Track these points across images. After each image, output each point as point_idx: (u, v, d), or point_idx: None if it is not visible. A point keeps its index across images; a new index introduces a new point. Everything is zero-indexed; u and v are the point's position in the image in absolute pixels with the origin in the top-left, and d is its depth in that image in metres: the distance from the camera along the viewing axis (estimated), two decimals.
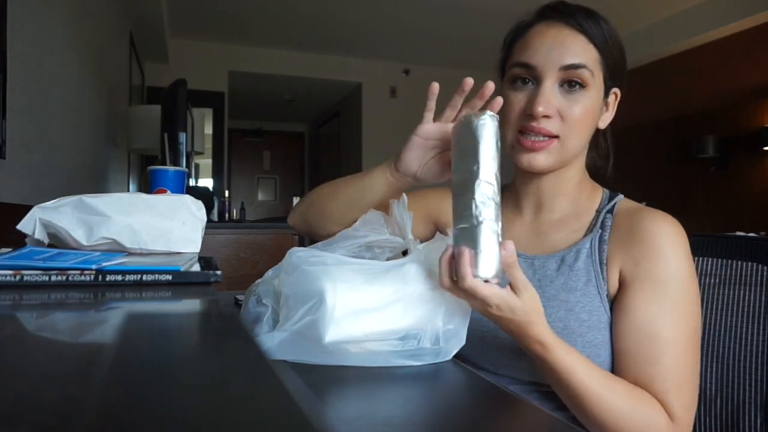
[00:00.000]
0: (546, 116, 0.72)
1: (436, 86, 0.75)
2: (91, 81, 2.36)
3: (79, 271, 0.52)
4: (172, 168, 1.21)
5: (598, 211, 0.78)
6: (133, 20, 3.94)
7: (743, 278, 0.83)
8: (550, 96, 0.72)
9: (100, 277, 0.52)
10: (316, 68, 5.78)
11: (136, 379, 0.18)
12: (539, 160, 0.74)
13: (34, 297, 0.47)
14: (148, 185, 1.21)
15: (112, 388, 0.16)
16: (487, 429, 0.46)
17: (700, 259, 0.89)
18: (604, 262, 0.73)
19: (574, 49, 0.73)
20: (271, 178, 8.41)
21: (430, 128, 0.76)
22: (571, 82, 0.73)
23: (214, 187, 5.51)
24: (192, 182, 2.89)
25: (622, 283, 0.71)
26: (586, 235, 0.76)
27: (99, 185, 2.59)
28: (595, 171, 0.84)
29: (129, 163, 3.75)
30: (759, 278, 0.81)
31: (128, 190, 3.69)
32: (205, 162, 5.67)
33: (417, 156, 0.77)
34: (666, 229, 0.70)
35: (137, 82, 4.41)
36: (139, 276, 0.53)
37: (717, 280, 0.86)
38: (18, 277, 0.50)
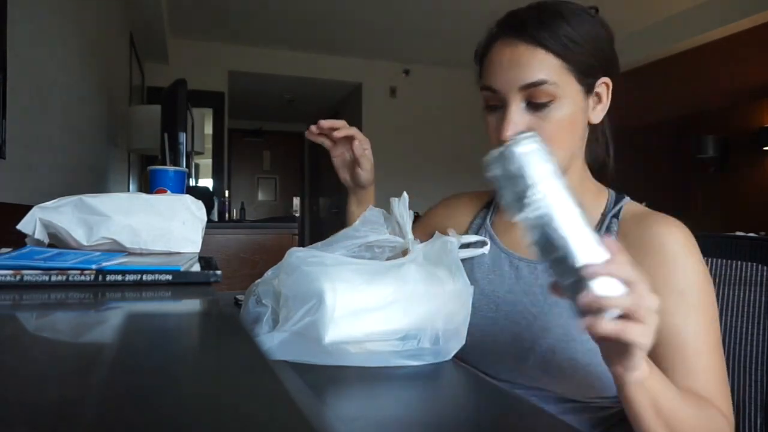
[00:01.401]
0: None
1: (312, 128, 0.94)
2: (91, 81, 2.36)
3: (79, 271, 0.52)
4: (172, 168, 1.21)
5: (604, 215, 0.76)
6: (133, 20, 3.94)
7: (743, 278, 0.83)
8: (517, 119, 0.70)
9: (100, 277, 0.52)
10: (316, 68, 5.77)
11: (136, 379, 0.18)
12: None
13: (34, 297, 0.47)
14: (148, 185, 1.21)
15: (112, 388, 0.16)
16: (488, 429, 0.46)
17: None
18: None
19: (532, 65, 0.69)
20: (271, 178, 8.41)
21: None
22: (538, 99, 0.70)
23: (214, 187, 5.51)
24: (192, 182, 2.88)
25: None
26: None
27: (99, 185, 2.59)
28: (598, 167, 0.83)
29: (129, 163, 3.75)
30: (759, 278, 0.81)
31: (128, 190, 3.69)
32: (205, 162, 5.67)
33: (345, 172, 0.99)
34: (678, 236, 0.69)
35: (137, 82, 4.41)
36: (139, 276, 0.53)
37: (717, 280, 0.86)
38: (18, 277, 0.50)
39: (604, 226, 0.75)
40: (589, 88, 0.73)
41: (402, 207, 0.74)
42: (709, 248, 0.88)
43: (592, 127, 0.78)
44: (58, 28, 1.78)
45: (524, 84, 0.70)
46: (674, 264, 0.67)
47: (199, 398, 0.16)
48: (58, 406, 0.19)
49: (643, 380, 0.53)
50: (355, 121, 6.17)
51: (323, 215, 7.61)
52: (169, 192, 1.17)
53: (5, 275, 0.50)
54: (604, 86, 0.74)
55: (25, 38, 1.39)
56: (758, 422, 0.78)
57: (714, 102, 4.41)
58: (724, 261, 0.86)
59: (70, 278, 0.51)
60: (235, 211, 5.88)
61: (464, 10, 4.37)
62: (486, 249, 0.77)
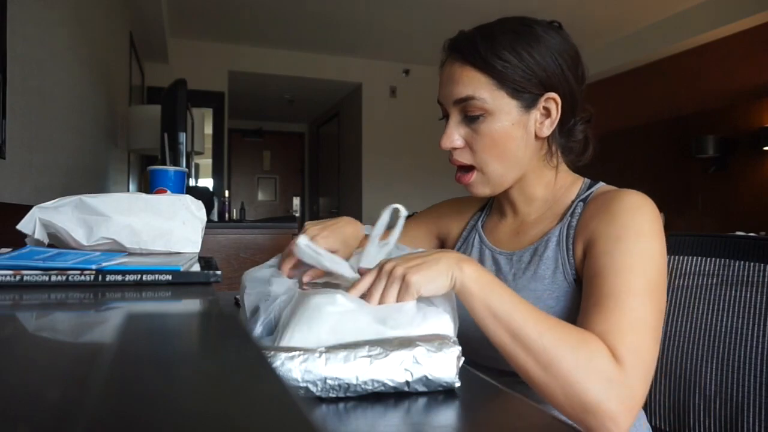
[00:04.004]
0: (455, 148, 0.78)
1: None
2: (91, 81, 2.36)
3: (79, 271, 0.52)
4: (172, 168, 1.21)
5: (573, 201, 0.80)
6: (133, 20, 3.94)
7: (743, 278, 0.83)
8: (453, 131, 0.77)
9: (100, 277, 0.52)
10: (316, 68, 5.78)
11: (135, 379, 0.18)
12: (475, 190, 0.81)
13: (34, 297, 0.47)
14: (148, 185, 1.21)
15: (111, 388, 0.16)
16: (487, 428, 0.46)
17: (701, 259, 0.89)
18: (572, 246, 0.75)
19: (463, 81, 0.75)
20: (271, 178, 8.41)
21: None
22: (471, 113, 0.75)
23: (214, 187, 5.51)
24: (192, 182, 2.88)
25: (585, 254, 0.72)
26: (557, 223, 0.79)
27: (99, 185, 2.59)
28: (575, 169, 0.86)
29: (129, 163, 3.75)
30: (759, 278, 0.81)
31: (128, 190, 3.69)
32: (205, 162, 5.67)
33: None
34: (627, 196, 0.72)
35: (137, 82, 4.41)
36: (139, 276, 0.53)
37: (717, 280, 0.86)
38: (18, 277, 0.50)
39: (570, 209, 0.79)
40: (527, 104, 0.76)
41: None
42: (709, 248, 0.88)
43: (547, 139, 0.79)
44: (58, 28, 1.78)
45: (456, 99, 0.76)
46: (613, 217, 0.70)
47: (198, 399, 0.16)
48: (58, 406, 0.19)
49: (461, 286, 0.58)
50: (355, 121, 6.18)
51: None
52: (169, 192, 1.17)
53: (5, 275, 0.50)
54: (552, 102, 0.76)
55: (25, 38, 1.39)
56: (758, 422, 0.78)
57: (714, 102, 4.41)
58: (724, 261, 0.86)
59: (70, 278, 0.52)
60: (235, 211, 5.88)
61: (464, 10, 4.37)
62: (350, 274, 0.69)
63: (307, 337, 0.48)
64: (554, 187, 0.82)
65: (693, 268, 0.89)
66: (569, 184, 0.83)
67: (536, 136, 0.77)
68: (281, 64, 5.65)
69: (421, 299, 0.58)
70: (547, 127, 0.77)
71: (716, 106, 4.37)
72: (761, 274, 0.81)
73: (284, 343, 0.48)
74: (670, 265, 0.93)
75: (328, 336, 0.48)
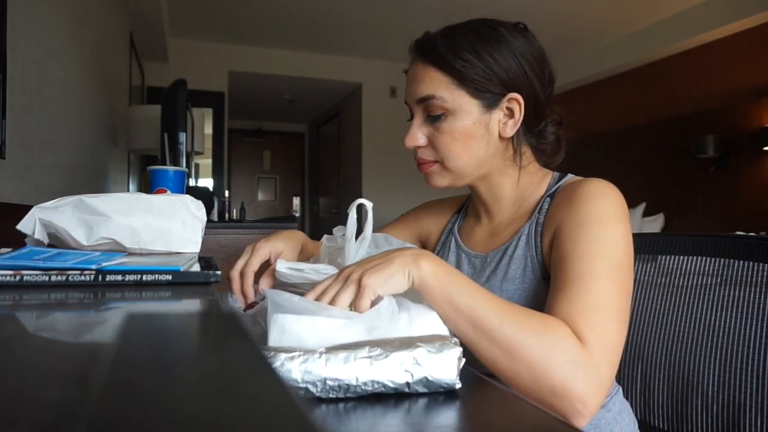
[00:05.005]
0: (419, 146, 0.80)
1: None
2: (91, 81, 2.36)
3: (79, 271, 0.52)
4: (172, 168, 1.21)
5: (542, 197, 0.81)
6: (133, 20, 3.94)
7: (743, 278, 0.83)
8: (416, 130, 0.80)
9: (100, 277, 0.52)
10: (316, 68, 5.78)
11: (135, 379, 0.18)
12: (433, 181, 0.83)
13: (34, 297, 0.47)
14: (148, 185, 1.21)
15: (111, 388, 0.16)
16: (488, 429, 0.46)
17: (701, 258, 0.89)
18: (540, 243, 0.76)
19: (424, 81, 0.78)
20: (271, 178, 8.41)
21: None
22: (433, 113, 0.77)
23: (214, 187, 5.51)
24: (192, 182, 2.88)
25: (552, 246, 0.73)
26: (526, 221, 0.80)
27: (99, 185, 2.59)
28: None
29: (129, 163, 3.75)
30: (759, 278, 0.81)
31: (128, 190, 3.69)
32: (205, 162, 5.67)
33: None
34: (590, 184, 0.73)
35: (137, 82, 4.41)
36: (139, 276, 0.53)
37: (717, 280, 0.86)
38: (18, 277, 0.50)
39: (538, 207, 0.79)
40: (489, 104, 0.76)
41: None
42: (709, 248, 0.88)
43: (512, 139, 0.80)
44: (58, 28, 1.78)
45: (418, 98, 0.79)
46: (577, 204, 0.71)
47: (198, 398, 0.16)
48: (58, 406, 0.19)
49: (419, 282, 0.56)
50: (355, 121, 6.18)
51: (323, 215, 7.61)
52: (169, 192, 1.17)
53: (5, 275, 0.50)
54: (514, 102, 0.77)
55: (25, 38, 1.39)
56: (758, 423, 0.78)
57: (714, 102, 4.41)
58: (725, 261, 0.86)
59: (70, 278, 0.52)
60: (235, 211, 5.88)
61: (465, 11, 4.37)
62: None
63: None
64: (522, 185, 0.83)
65: (693, 268, 0.89)
66: (538, 181, 0.83)
67: (500, 137, 0.78)
68: (281, 64, 5.65)
69: (410, 297, 0.58)
70: (511, 128, 0.78)
71: (716, 106, 4.37)
72: (762, 274, 0.81)
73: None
74: (671, 265, 0.93)
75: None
